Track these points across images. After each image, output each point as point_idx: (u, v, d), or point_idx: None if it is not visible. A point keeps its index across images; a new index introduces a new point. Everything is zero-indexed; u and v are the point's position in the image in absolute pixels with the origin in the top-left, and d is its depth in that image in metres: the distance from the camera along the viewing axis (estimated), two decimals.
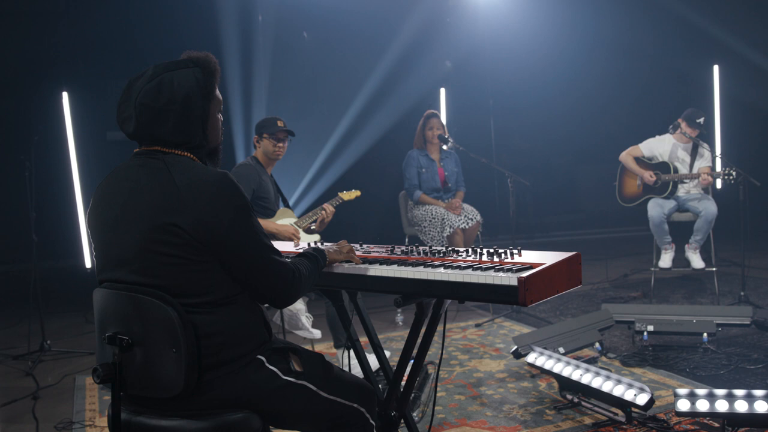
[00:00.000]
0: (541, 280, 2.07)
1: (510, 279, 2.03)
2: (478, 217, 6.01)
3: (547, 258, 2.19)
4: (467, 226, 5.92)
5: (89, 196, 6.61)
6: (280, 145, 4.60)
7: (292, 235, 4.37)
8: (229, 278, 2.00)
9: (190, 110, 2.03)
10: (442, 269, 2.21)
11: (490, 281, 2.07)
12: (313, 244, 2.89)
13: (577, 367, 3.66)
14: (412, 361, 2.64)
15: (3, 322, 6.23)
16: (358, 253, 2.62)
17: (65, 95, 5.70)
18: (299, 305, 4.42)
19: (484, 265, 2.19)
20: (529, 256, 2.26)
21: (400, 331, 5.51)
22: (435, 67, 8.90)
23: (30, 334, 5.16)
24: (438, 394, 3.99)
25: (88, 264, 6.41)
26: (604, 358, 4.49)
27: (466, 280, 2.12)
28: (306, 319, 4.49)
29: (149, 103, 1.99)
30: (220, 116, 2.19)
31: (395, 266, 2.33)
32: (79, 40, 7.33)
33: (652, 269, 6.24)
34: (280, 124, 4.58)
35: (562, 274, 2.16)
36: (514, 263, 2.19)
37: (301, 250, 2.69)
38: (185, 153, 2.05)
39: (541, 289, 2.07)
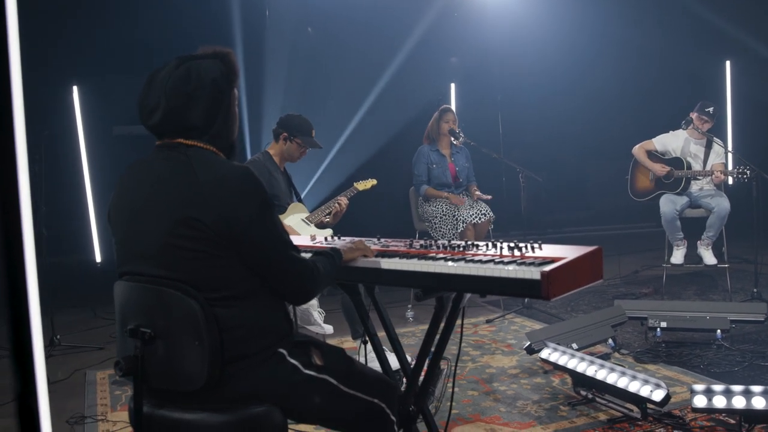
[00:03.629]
0: (564, 274, 2.05)
1: (533, 273, 2.02)
2: (490, 213, 5.98)
3: (568, 252, 2.17)
4: (479, 221, 5.90)
5: (98, 191, 6.61)
6: (305, 153, 4.60)
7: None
8: (250, 273, 1.99)
9: (217, 95, 2.05)
10: (463, 263, 2.20)
11: (512, 275, 2.06)
12: (329, 238, 2.88)
13: (592, 363, 3.63)
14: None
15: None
16: (375, 247, 2.60)
17: (75, 89, 5.69)
18: (311, 301, 4.41)
19: (506, 259, 2.18)
20: (550, 250, 2.25)
21: (410, 327, 5.50)
22: (444, 62, 8.87)
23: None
24: (451, 390, 3.98)
25: (98, 258, 6.42)
26: (617, 355, 4.47)
27: (488, 273, 2.11)
28: (318, 315, 4.48)
29: (180, 87, 2.00)
30: (236, 111, 2.19)
31: (415, 260, 2.32)
32: (89, 34, 7.31)
33: (664, 265, 6.22)
34: (313, 133, 4.56)
35: (584, 268, 2.14)
36: (536, 257, 2.17)
37: (317, 244, 2.68)
38: (207, 146, 2.05)
39: (564, 283, 2.05)
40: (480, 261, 2.19)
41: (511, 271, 2.07)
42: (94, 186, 6.31)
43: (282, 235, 2.03)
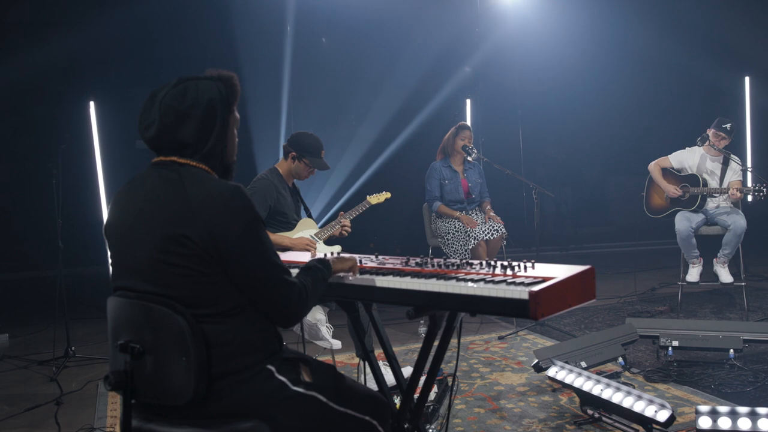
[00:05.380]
0: (553, 294, 2.04)
1: (521, 293, 2.01)
2: (503, 230, 5.96)
3: (559, 272, 2.17)
4: (491, 238, 5.88)
5: None
6: (313, 172, 4.63)
7: (307, 246, 4.36)
8: (238, 290, 2.01)
9: (212, 115, 2.08)
10: (454, 282, 2.20)
11: (501, 294, 2.06)
12: (332, 254, 2.90)
13: (598, 381, 3.60)
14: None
15: (29, 328, 6.32)
16: (372, 264, 2.62)
17: (92, 104, 5.78)
18: (319, 315, 4.42)
19: (497, 278, 2.18)
20: (542, 270, 2.24)
21: (421, 343, 5.47)
22: (461, 77, 8.89)
23: (55, 340, 5.23)
24: (458, 407, 3.97)
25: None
26: (627, 373, 4.43)
27: (477, 293, 2.11)
28: (326, 330, 4.48)
29: (174, 104, 2.04)
30: (236, 134, 2.21)
31: (408, 278, 2.33)
32: (106, 49, 7.43)
33: (680, 283, 6.15)
34: (322, 154, 4.59)
35: (574, 288, 2.13)
36: (527, 276, 2.17)
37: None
38: (200, 165, 2.08)
39: (552, 303, 2.04)
40: (471, 280, 2.19)
41: (500, 290, 2.07)
42: (109, 199, 6.39)
43: (271, 256, 2.04)
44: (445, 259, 2.54)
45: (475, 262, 2.44)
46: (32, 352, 5.47)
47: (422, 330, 5.72)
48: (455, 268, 2.42)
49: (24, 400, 4.39)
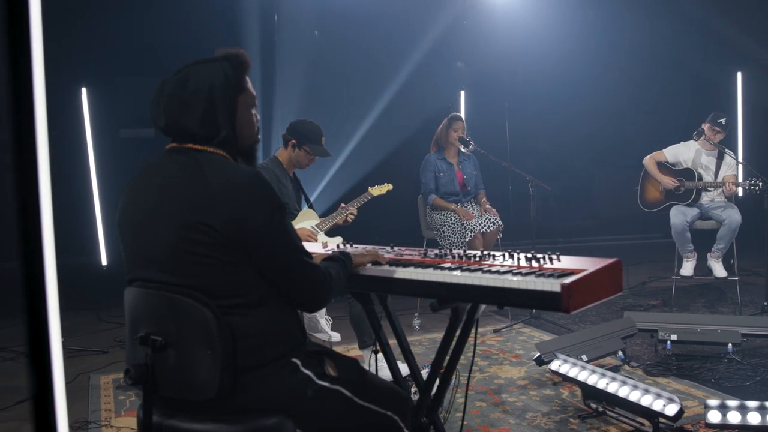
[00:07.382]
0: (584, 287, 2.00)
1: (553, 285, 1.97)
2: (499, 222, 5.93)
3: (588, 264, 2.13)
4: (488, 230, 5.85)
5: (105, 193, 6.57)
6: (314, 160, 4.57)
7: (308, 238, 4.31)
8: (262, 279, 1.95)
9: (216, 100, 2.00)
10: (480, 273, 2.15)
11: (531, 287, 2.01)
12: (340, 246, 2.85)
13: (603, 375, 3.58)
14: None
15: (17, 319, 6.20)
16: (389, 255, 2.56)
17: (84, 91, 5.67)
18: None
19: (524, 270, 2.13)
20: (568, 262, 2.20)
21: (417, 335, 5.44)
22: (453, 69, 8.85)
23: None
24: (459, 401, 3.93)
25: (104, 261, 6.39)
26: (626, 367, 4.43)
27: (507, 285, 2.06)
28: (325, 322, 4.44)
29: (176, 93, 1.98)
30: (254, 113, 2.14)
31: (431, 269, 2.27)
32: (97, 35, 7.30)
33: (673, 277, 6.16)
34: (322, 141, 4.53)
35: (603, 280, 2.09)
36: (555, 269, 2.12)
37: (329, 252, 2.64)
38: (218, 150, 2.02)
39: (583, 296, 2.00)
40: (498, 272, 2.15)
41: (530, 282, 2.02)
42: (101, 188, 6.29)
43: (294, 240, 2.00)
44: (465, 251, 2.49)
45: (498, 253, 2.40)
46: (20, 344, 5.36)
47: (416, 323, 5.68)
48: (478, 259, 2.37)
49: (14, 392, 4.28)
